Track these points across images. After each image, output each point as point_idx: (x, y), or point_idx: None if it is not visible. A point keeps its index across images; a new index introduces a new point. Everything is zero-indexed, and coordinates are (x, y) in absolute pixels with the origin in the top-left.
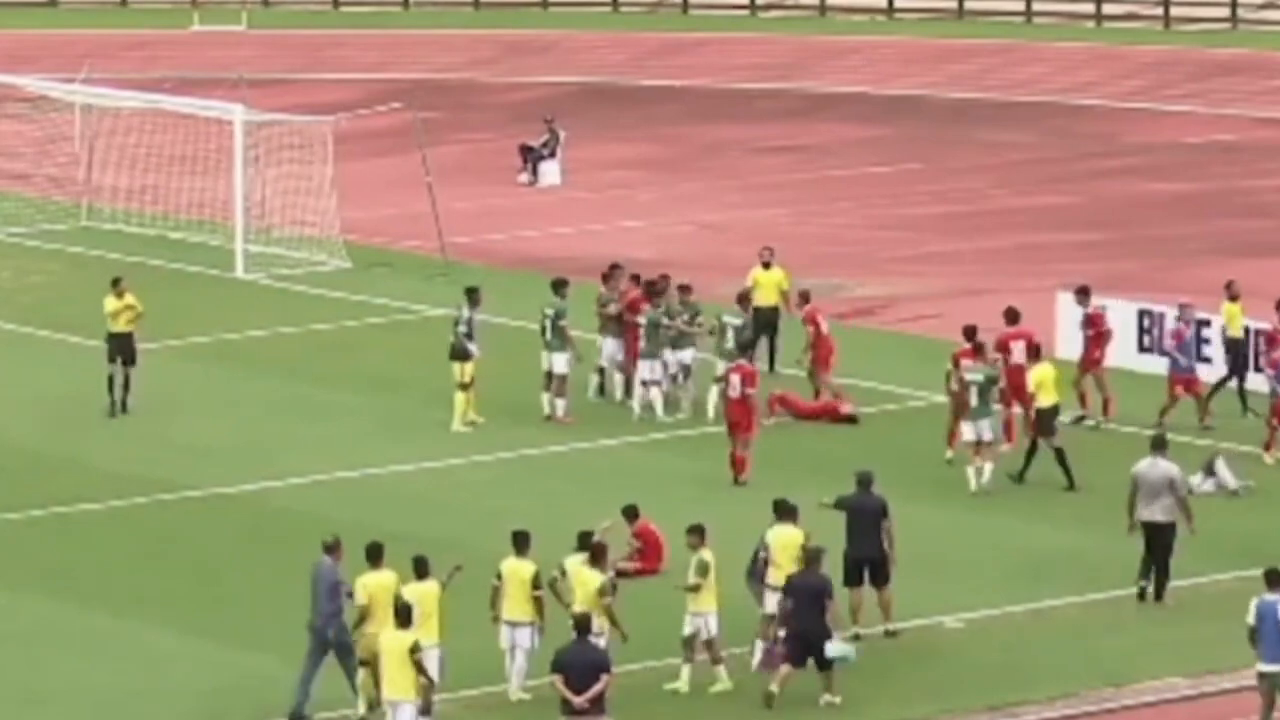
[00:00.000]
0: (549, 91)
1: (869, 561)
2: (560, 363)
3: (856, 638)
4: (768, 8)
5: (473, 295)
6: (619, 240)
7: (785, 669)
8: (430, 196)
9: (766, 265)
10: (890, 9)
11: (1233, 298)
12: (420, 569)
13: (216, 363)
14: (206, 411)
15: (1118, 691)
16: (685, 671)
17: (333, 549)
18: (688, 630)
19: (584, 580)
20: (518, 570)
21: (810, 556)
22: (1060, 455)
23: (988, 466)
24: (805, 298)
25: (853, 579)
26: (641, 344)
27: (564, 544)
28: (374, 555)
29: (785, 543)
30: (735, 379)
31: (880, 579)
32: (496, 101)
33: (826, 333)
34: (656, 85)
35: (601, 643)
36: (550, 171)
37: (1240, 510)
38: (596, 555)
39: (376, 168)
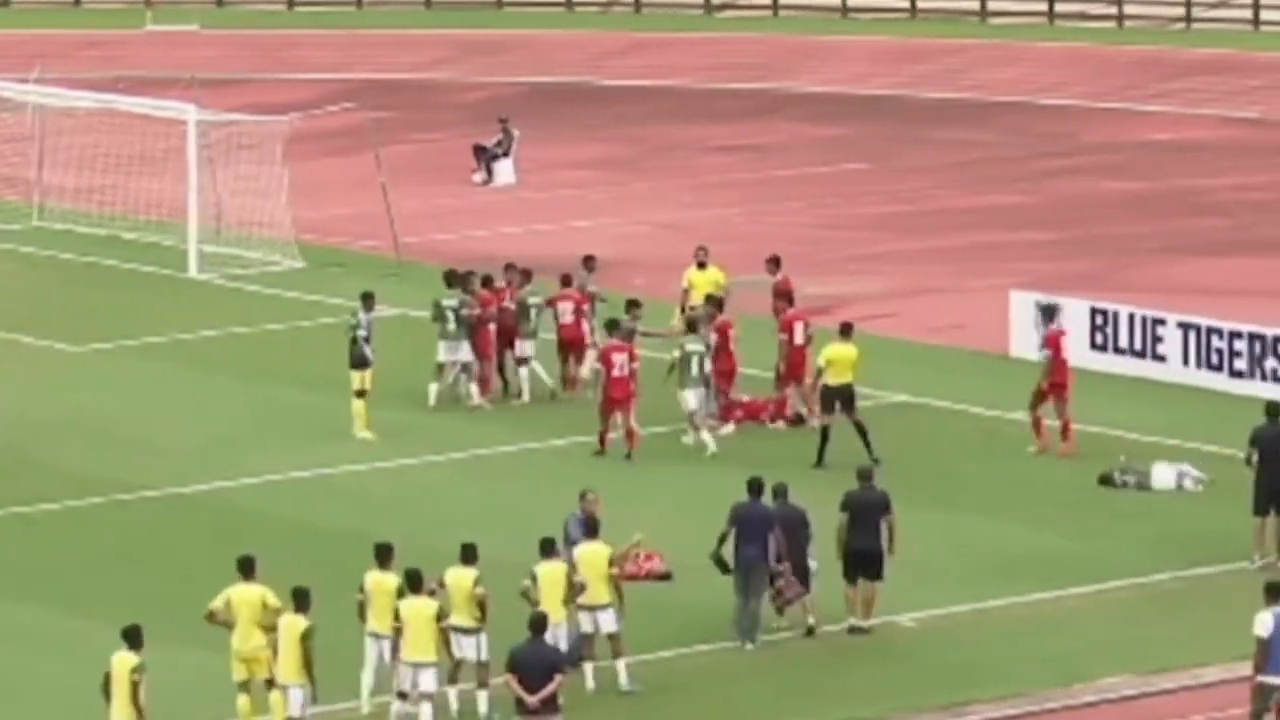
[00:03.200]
0: (503, 91)
1: (867, 555)
2: (465, 351)
3: (852, 630)
4: (722, 8)
5: (368, 300)
6: (572, 240)
7: (809, 598)
8: (384, 196)
9: (702, 265)
10: (845, 9)
11: None
12: (300, 602)
13: (170, 363)
14: (161, 412)
15: (1069, 690)
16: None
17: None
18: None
19: (461, 584)
20: (381, 583)
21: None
22: (861, 431)
23: (704, 434)
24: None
25: (853, 572)
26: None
27: (517, 544)
28: (246, 568)
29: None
30: (621, 358)
31: (874, 574)
32: (451, 101)
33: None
34: (612, 85)
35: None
36: (505, 171)
37: (1192, 508)
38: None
39: (330, 167)
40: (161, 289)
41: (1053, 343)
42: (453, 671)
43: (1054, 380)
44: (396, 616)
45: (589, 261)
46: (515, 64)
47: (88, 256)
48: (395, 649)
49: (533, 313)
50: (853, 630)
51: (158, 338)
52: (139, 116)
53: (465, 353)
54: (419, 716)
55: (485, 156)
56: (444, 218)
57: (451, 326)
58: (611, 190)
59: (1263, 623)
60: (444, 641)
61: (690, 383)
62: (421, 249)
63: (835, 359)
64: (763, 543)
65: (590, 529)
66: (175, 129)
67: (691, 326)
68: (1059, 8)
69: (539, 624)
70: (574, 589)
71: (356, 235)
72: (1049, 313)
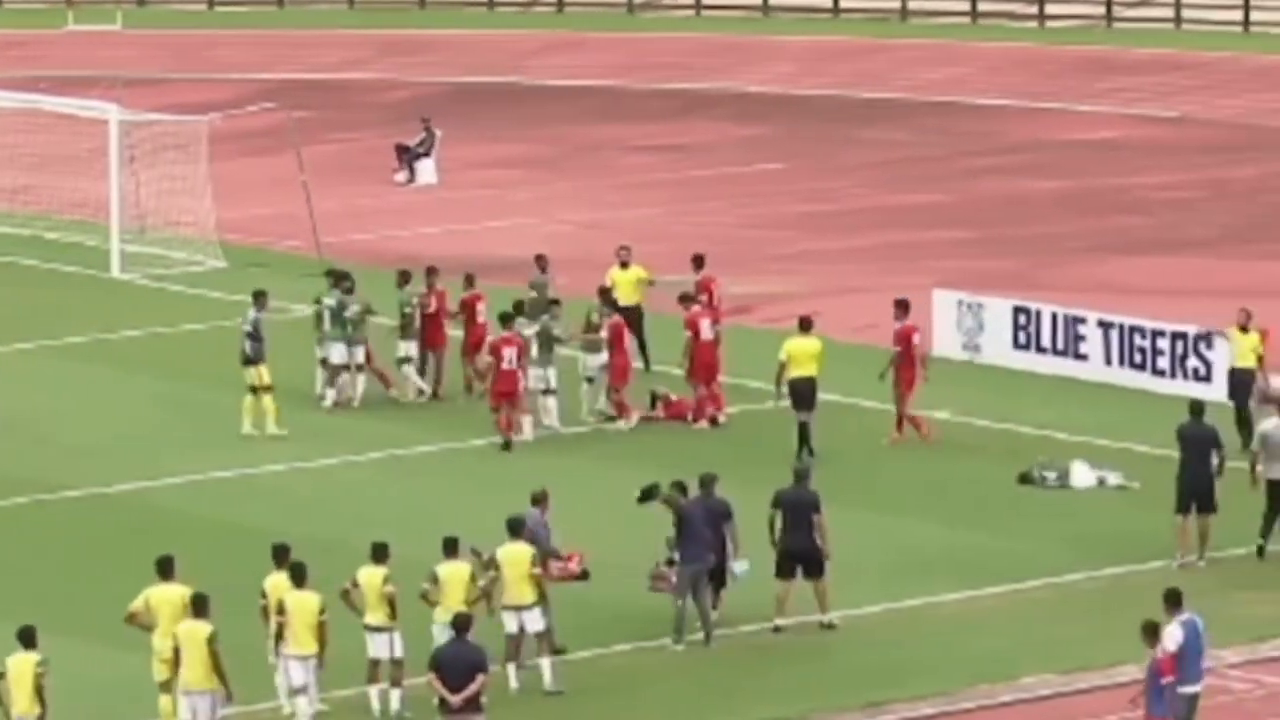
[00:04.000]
0: (426, 91)
1: (802, 554)
2: (339, 352)
3: (777, 629)
4: (645, 7)
5: (259, 298)
6: (491, 239)
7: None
8: (305, 196)
9: (624, 265)
10: (767, 9)
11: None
12: (199, 607)
13: (92, 363)
14: (83, 411)
15: (992, 689)
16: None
17: (539, 500)
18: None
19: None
20: (281, 583)
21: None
22: (804, 429)
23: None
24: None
25: (785, 571)
26: (534, 353)
27: (437, 544)
28: (164, 568)
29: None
30: (511, 351)
31: (814, 572)
32: (373, 101)
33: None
34: (534, 85)
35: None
36: (427, 170)
37: (1113, 507)
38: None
39: (251, 167)
40: (84, 289)
41: (904, 338)
42: (371, 670)
43: (907, 376)
44: (281, 610)
45: (540, 260)
46: (437, 63)
47: (8, 256)
48: (278, 643)
49: (412, 312)
50: (823, 626)
51: (80, 338)
52: (61, 116)
53: (338, 353)
54: (297, 708)
55: (408, 156)
56: (364, 217)
57: (326, 326)
58: (534, 190)
59: (1172, 636)
60: (323, 637)
61: (532, 363)
62: (342, 249)
63: (795, 353)
64: (712, 541)
65: (513, 529)
66: (97, 129)
67: (589, 325)
68: (982, 7)
69: (463, 624)
70: (476, 591)
71: (278, 235)
72: (902, 307)
